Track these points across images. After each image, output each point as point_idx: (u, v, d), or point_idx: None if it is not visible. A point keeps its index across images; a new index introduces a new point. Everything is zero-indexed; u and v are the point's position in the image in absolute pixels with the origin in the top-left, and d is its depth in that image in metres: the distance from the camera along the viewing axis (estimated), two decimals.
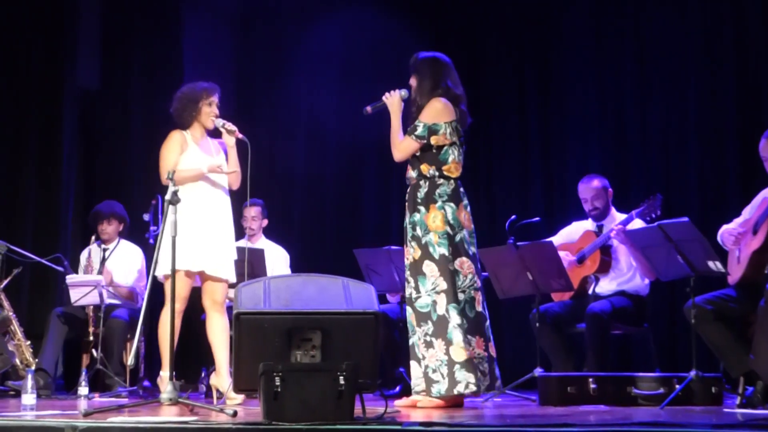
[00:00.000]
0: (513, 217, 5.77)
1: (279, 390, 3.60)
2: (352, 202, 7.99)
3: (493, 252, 5.71)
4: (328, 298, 3.95)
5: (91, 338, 6.19)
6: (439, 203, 4.83)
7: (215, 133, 5.40)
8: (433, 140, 4.87)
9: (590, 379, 4.91)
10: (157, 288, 5.20)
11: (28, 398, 4.50)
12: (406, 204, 4.94)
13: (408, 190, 4.96)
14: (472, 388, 4.66)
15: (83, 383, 5.46)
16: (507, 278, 5.66)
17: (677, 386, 4.79)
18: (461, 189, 4.92)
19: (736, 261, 4.93)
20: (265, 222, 6.86)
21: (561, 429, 3.59)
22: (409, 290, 4.86)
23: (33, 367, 5.72)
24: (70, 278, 6.22)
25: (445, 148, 4.89)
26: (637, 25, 7.47)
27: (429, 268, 4.80)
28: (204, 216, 5.17)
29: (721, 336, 4.79)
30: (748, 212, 5.03)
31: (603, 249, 5.86)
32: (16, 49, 7.31)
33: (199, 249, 5.11)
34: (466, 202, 4.92)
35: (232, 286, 5.40)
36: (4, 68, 7.25)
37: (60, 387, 6.37)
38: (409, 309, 4.86)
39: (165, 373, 4.98)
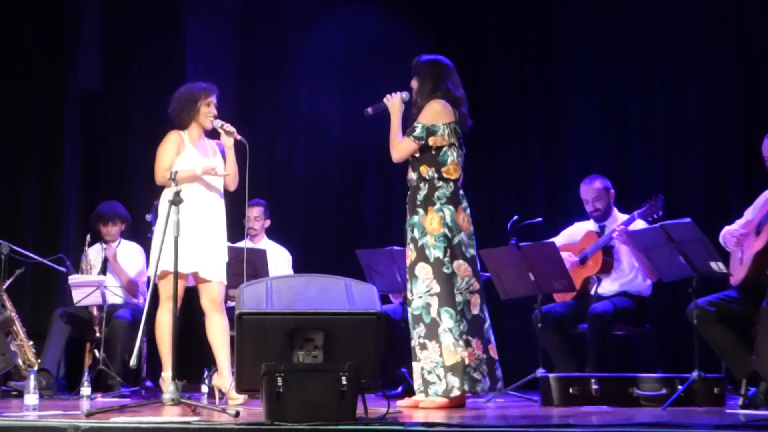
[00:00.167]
0: (515, 217, 5.77)
1: (281, 390, 3.61)
2: (353, 202, 7.99)
3: (495, 253, 5.71)
4: (331, 298, 3.95)
5: (99, 336, 6.18)
6: (438, 206, 4.83)
7: (213, 134, 5.39)
8: (432, 141, 4.87)
9: (592, 380, 4.91)
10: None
11: (31, 398, 4.49)
12: (407, 206, 4.95)
13: (408, 192, 4.97)
14: (456, 392, 4.67)
15: (86, 383, 5.46)
16: (509, 279, 5.66)
17: (679, 387, 4.79)
18: (461, 191, 4.92)
19: (738, 262, 4.93)
20: (268, 222, 6.86)
21: (563, 429, 3.60)
22: (409, 291, 4.89)
23: (35, 368, 5.73)
24: (73, 278, 6.22)
25: (444, 149, 4.89)
26: (638, 25, 7.47)
27: (423, 270, 4.81)
28: (197, 218, 5.12)
29: (724, 338, 4.79)
30: (750, 213, 5.03)
31: (605, 250, 5.86)
32: (17, 49, 7.30)
33: (191, 251, 5.05)
34: (465, 204, 4.92)
35: (232, 287, 5.41)
36: (5, 68, 7.25)
37: (62, 387, 6.37)
38: (409, 309, 4.87)
39: (167, 373, 4.98)
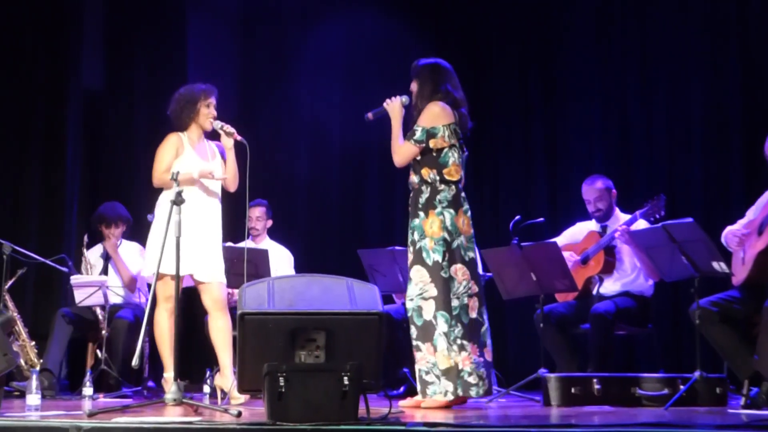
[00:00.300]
0: (517, 217, 5.77)
1: (283, 390, 3.61)
2: (355, 202, 7.99)
3: (497, 252, 5.71)
4: (333, 298, 3.95)
5: (104, 336, 6.18)
6: (439, 209, 4.83)
7: (213, 135, 5.39)
8: (432, 143, 4.87)
9: (594, 380, 4.91)
10: None
11: (33, 399, 4.49)
12: (409, 208, 4.95)
13: (411, 195, 4.96)
14: (450, 396, 4.68)
15: (88, 383, 5.46)
16: (511, 279, 5.66)
17: (681, 387, 4.79)
18: (462, 194, 4.91)
19: (740, 262, 4.92)
20: (270, 222, 6.86)
21: (565, 429, 3.60)
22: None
23: (37, 368, 5.73)
24: (75, 279, 6.22)
25: (445, 150, 4.89)
26: (640, 25, 7.47)
27: (417, 273, 4.81)
28: (193, 221, 5.09)
29: (726, 338, 4.79)
30: (753, 213, 5.02)
31: (607, 250, 5.86)
32: (19, 49, 7.31)
33: (186, 253, 4.95)
34: (466, 207, 4.91)
35: (234, 287, 5.41)
36: (6, 69, 7.25)
37: (64, 387, 6.38)
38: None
39: (169, 374, 4.98)
